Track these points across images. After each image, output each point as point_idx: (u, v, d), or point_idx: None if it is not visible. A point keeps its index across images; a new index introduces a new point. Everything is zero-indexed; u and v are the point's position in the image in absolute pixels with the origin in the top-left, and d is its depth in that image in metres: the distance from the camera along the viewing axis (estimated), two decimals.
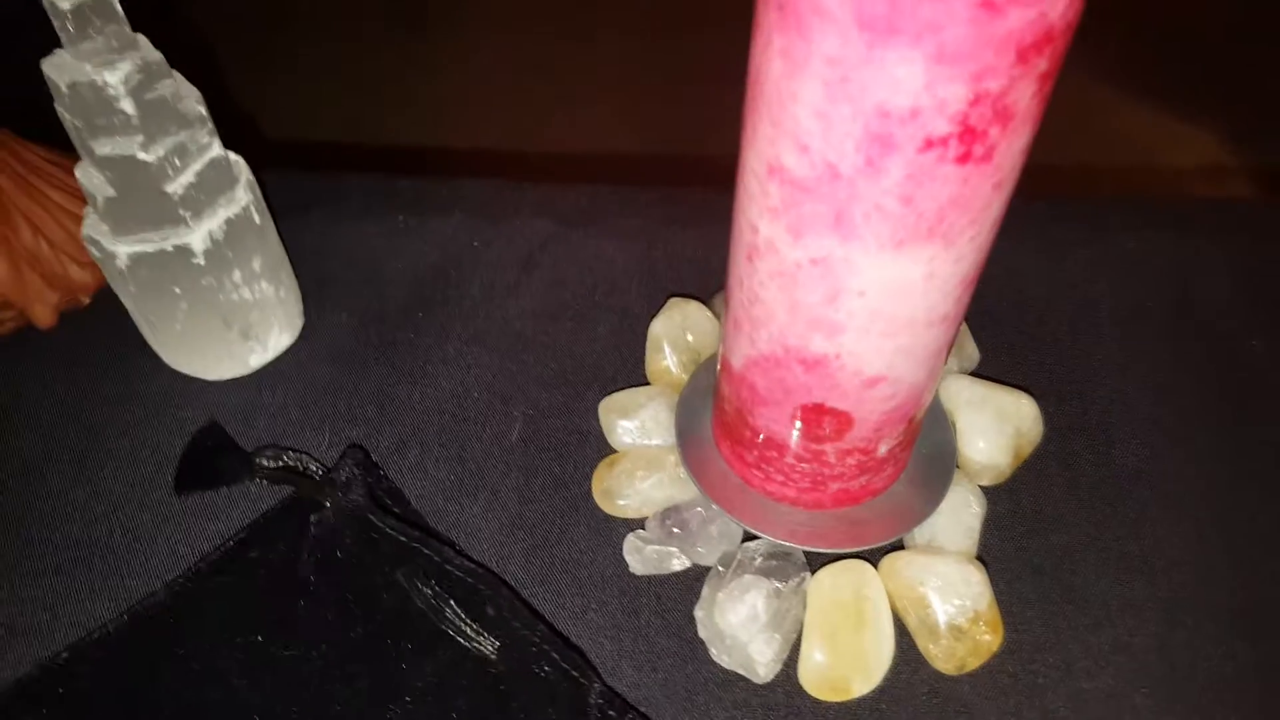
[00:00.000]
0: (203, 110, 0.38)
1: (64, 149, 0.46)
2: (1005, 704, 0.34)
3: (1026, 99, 0.23)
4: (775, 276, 0.29)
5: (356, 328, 0.46)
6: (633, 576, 0.37)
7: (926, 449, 0.39)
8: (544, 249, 0.49)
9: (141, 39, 0.36)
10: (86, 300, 0.46)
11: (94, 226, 0.39)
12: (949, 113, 0.23)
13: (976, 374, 0.42)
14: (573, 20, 1.62)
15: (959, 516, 0.37)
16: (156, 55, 0.36)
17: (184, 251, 0.38)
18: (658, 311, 0.44)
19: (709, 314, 0.43)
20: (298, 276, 0.46)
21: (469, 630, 0.34)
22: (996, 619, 0.35)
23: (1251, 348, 0.44)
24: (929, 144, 0.24)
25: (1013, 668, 0.35)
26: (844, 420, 0.33)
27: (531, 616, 0.34)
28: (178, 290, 0.40)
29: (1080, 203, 0.52)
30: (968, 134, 0.24)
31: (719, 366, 0.37)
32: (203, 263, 0.39)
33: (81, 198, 0.45)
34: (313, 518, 0.37)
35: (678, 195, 0.52)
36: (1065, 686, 0.34)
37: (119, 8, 0.34)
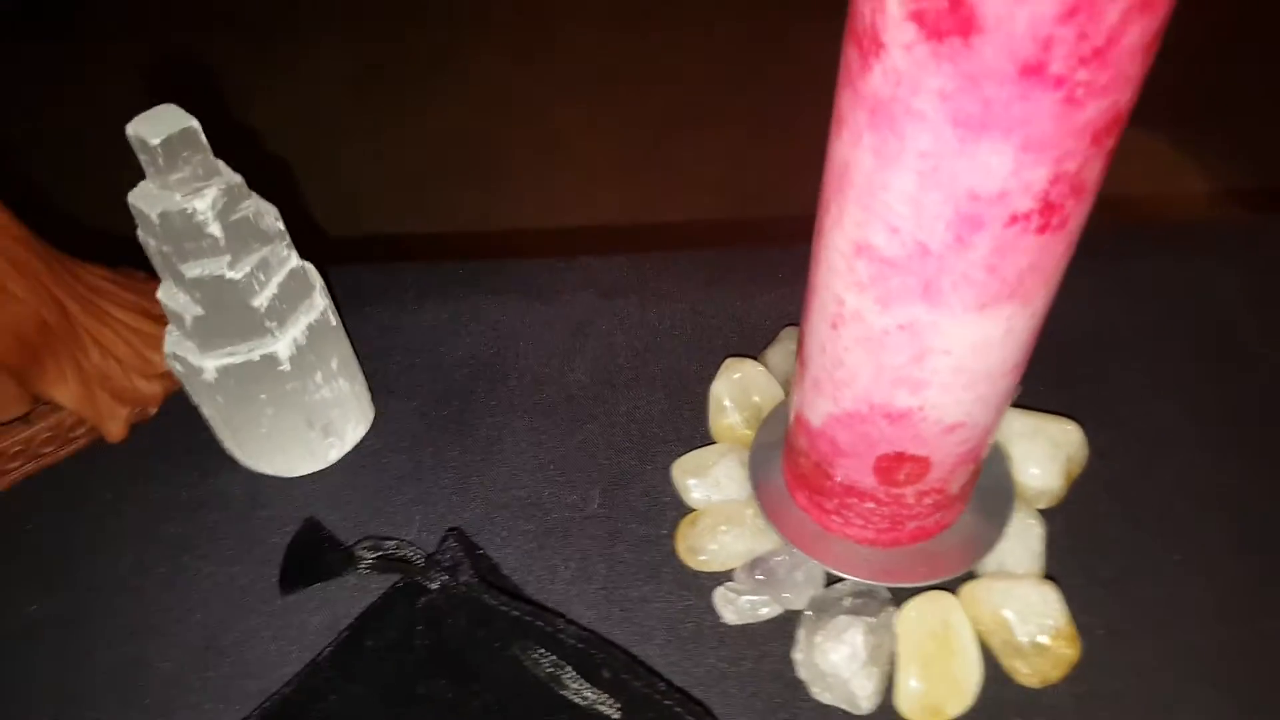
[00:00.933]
0: (280, 225, 0.40)
1: (116, 267, 0.47)
2: (1088, 709, 0.37)
3: (1096, 173, 0.26)
4: (861, 342, 0.32)
5: (425, 412, 0.48)
6: (727, 627, 0.39)
7: (986, 480, 0.41)
8: (592, 321, 0.51)
9: (222, 164, 0.38)
10: (154, 411, 0.48)
11: (178, 344, 0.40)
12: (1032, 192, 0.26)
13: (1018, 405, 0.45)
14: (583, 105, 1.65)
15: (1023, 540, 0.40)
16: (238, 178, 0.38)
17: (270, 360, 0.40)
18: (709, 372, 0.47)
19: (764, 370, 0.46)
20: (363, 368, 0.48)
21: (589, 695, 0.36)
22: (1073, 633, 0.38)
23: (1267, 357, 0.48)
24: (1013, 219, 0.26)
25: (1091, 676, 0.37)
26: (923, 465, 0.35)
27: (649, 673, 0.36)
28: (264, 396, 0.41)
29: (1092, 234, 0.55)
30: (1047, 208, 0.26)
31: (792, 421, 0.39)
32: (288, 369, 0.41)
33: (145, 313, 0.46)
34: (420, 601, 0.38)
35: (714, 258, 0.55)
36: (1140, 688, 0.37)
37: (204, 138, 0.36)
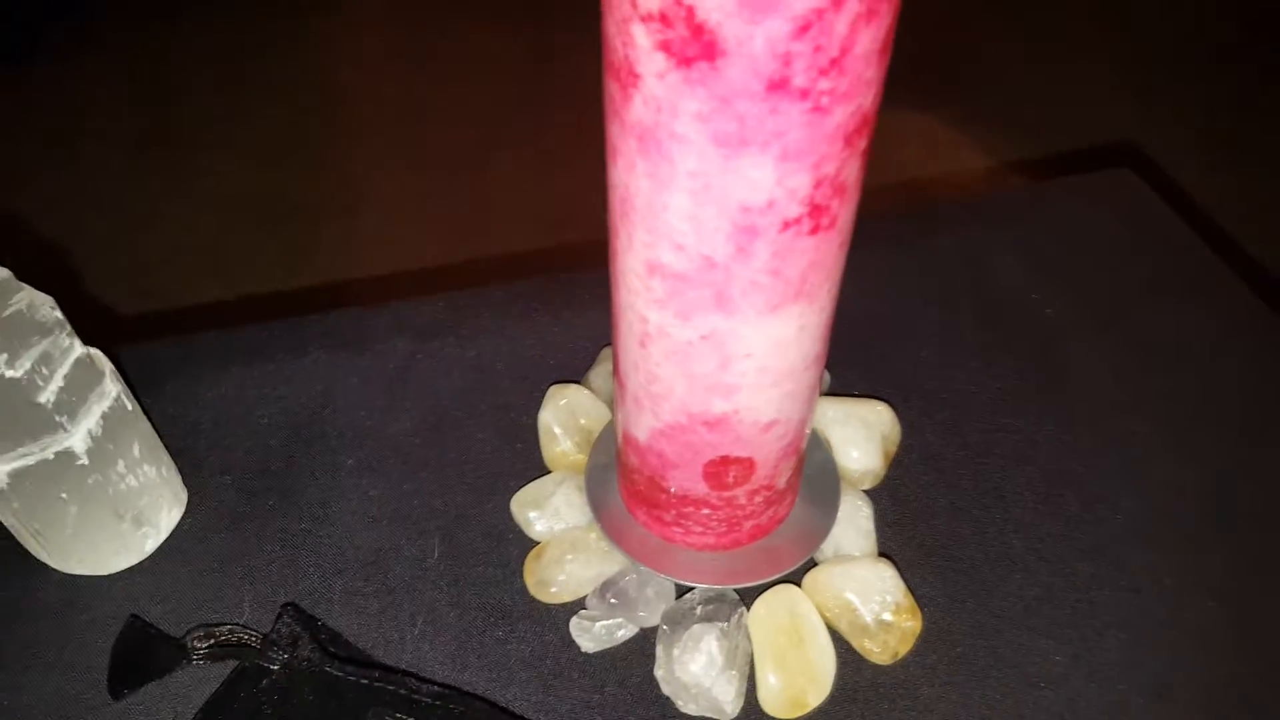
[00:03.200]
0: (58, 314, 0.37)
1: None
2: (939, 676, 0.39)
3: (854, 172, 0.28)
4: (670, 356, 0.32)
5: (242, 486, 0.46)
6: (587, 656, 0.40)
7: (811, 470, 0.43)
8: (410, 367, 0.51)
9: None
10: None
11: None
12: (798, 198, 0.27)
13: (830, 393, 0.47)
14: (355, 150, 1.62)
15: (854, 522, 0.42)
16: (4, 272, 0.35)
17: (67, 456, 0.38)
18: (535, 402, 0.47)
19: (588, 393, 0.46)
20: (168, 448, 0.45)
21: None
22: (913, 605, 0.40)
23: (1047, 316, 0.52)
24: (786, 225, 0.28)
25: (937, 644, 0.40)
26: (748, 465, 0.36)
27: (511, 718, 0.36)
28: (64, 495, 0.39)
29: (874, 221, 0.58)
30: (815, 210, 0.28)
31: (620, 441, 0.40)
32: (87, 462, 0.38)
33: None
34: (263, 683, 0.37)
35: (525, 289, 0.55)
36: (983, 648, 0.39)
37: None
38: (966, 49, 1.75)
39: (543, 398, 0.46)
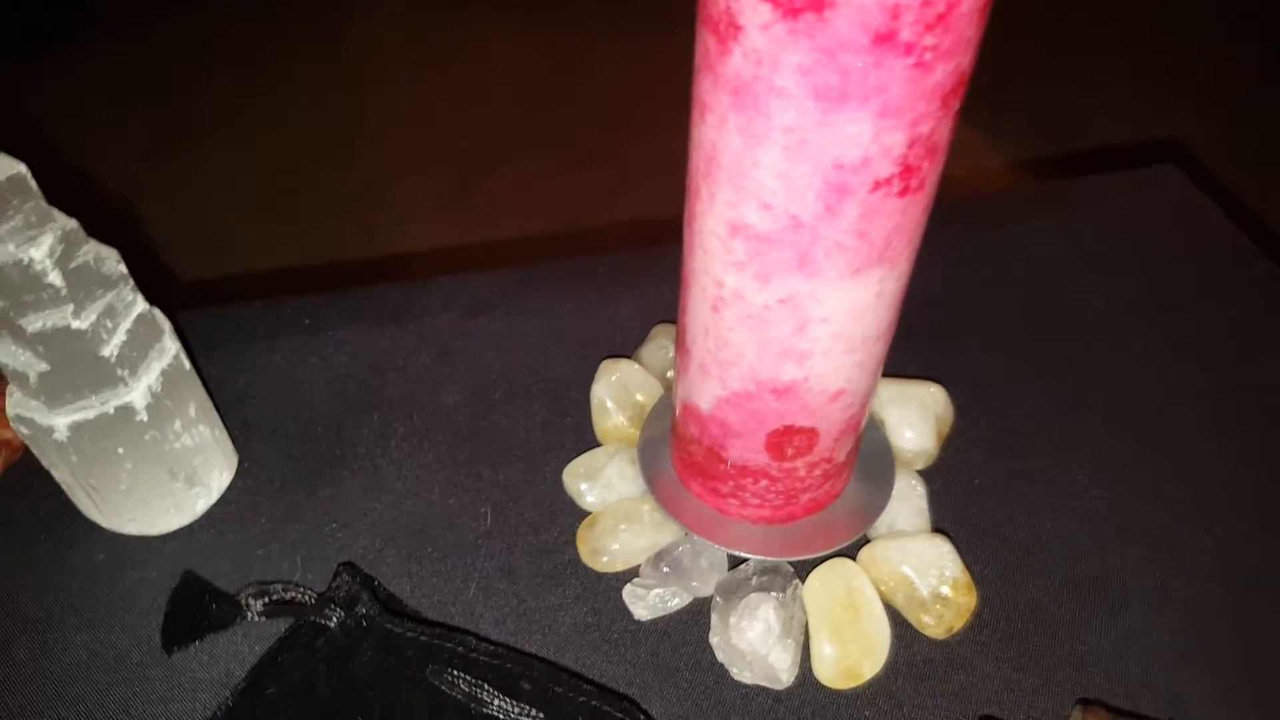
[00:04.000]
0: (123, 269, 0.37)
1: None
2: (993, 651, 0.39)
3: (946, 133, 0.28)
4: (744, 320, 0.32)
5: (293, 452, 0.46)
6: (640, 623, 0.39)
7: (867, 447, 0.43)
8: (459, 339, 0.51)
9: (55, 210, 0.35)
10: None
11: (22, 404, 0.37)
12: (893, 156, 0.27)
13: (885, 374, 0.47)
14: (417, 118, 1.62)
15: (908, 501, 0.42)
16: (73, 223, 0.35)
17: (126, 411, 0.38)
18: (586, 377, 0.47)
19: (640, 368, 0.46)
20: (220, 413, 0.45)
21: (512, 710, 0.35)
22: (969, 581, 0.39)
23: (1093, 307, 0.52)
24: (877, 185, 0.28)
25: (991, 619, 0.39)
26: (811, 436, 0.36)
27: (571, 677, 0.36)
28: (121, 451, 0.38)
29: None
30: (906, 171, 0.28)
31: (679, 412, 0.40)
32: (145, 419, 0.38)
33: None
34: (319, 641, 0.37)
35: (571, 268, 0.55)
36: (1036, 627, 0.39)
37: (33, 183, 0.34)
38: (1010, 50, 1.75)
39: (594, 373, 0.46)
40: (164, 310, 0.41)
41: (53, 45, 1.80)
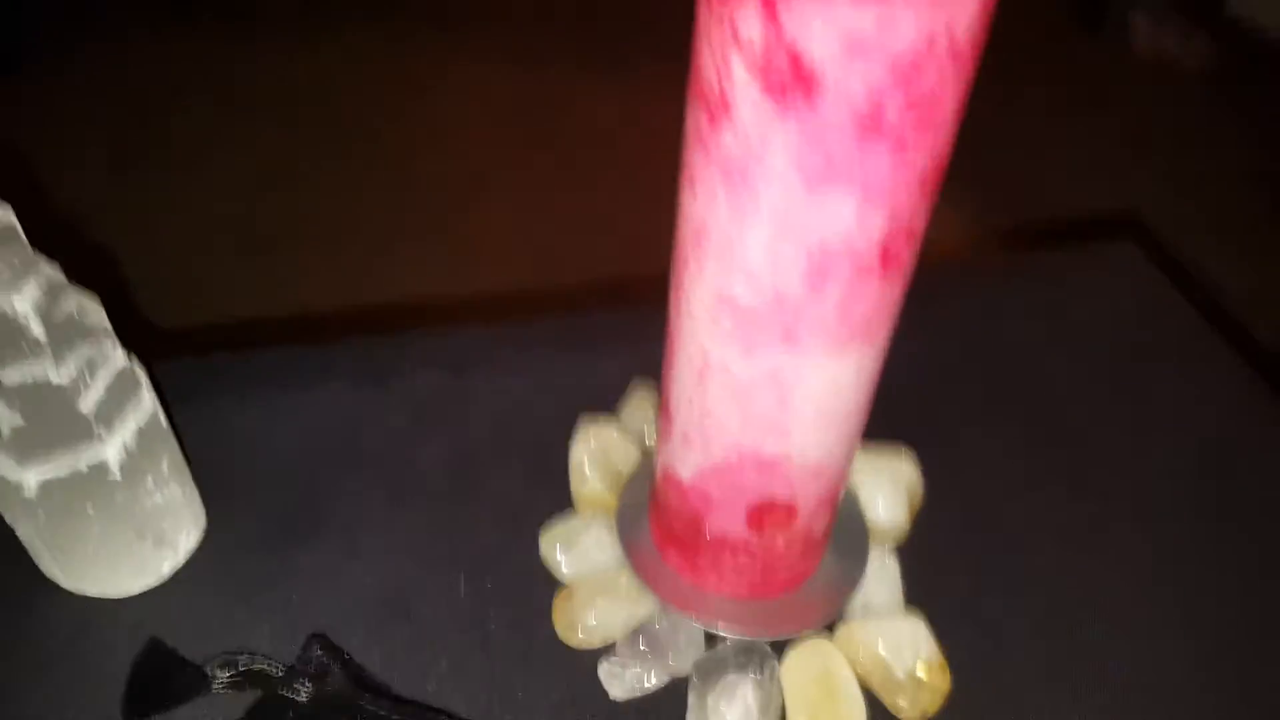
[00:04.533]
0: (105, 320, 0.37)
1: None
2: None
3: (923, 219, 0.29)
4: (728, 392, 0.33)
5: (264, 510, 0.45)
6: (616, 704, 0.39)
7: (839, 519, 0.43)
8: (437, 397, 0.50)
9: (39, 256, 0.35)
10: None
11: None
12: (874, 238, 0.28)
13: None
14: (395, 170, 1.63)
15: (881, 577, 0.42)
16: (57, 271, 0.35)
17: (100, 469, 0.37)
18: (565, 437, 0.47)
19: (620, 430, 0.46)
20: (190, 469, 0.44)
21: None
22: (943, 662, 0.39)
23: (1055, 375, 0.53)
24: (859, 264, 0.28)
25: (964, 702, 0.39)
26: (791, 510, 0.36)
27: None
28: (92, 510, 0.38)
29: None
30: (886, 253, 0.29)
31: (659, 480, 0.40)
32: (119, 477, 0.38)
33: None
34: (289, 716, 0.36)
35: (553, 323, 0.55)
36: (1008, 706, 0.39)
37: (19, 228, 0.34)
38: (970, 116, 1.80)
39: (572, 431, 0.46)
40: (133, 354, 0.41)
41: (27, 64, 1.80)
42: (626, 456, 0.45)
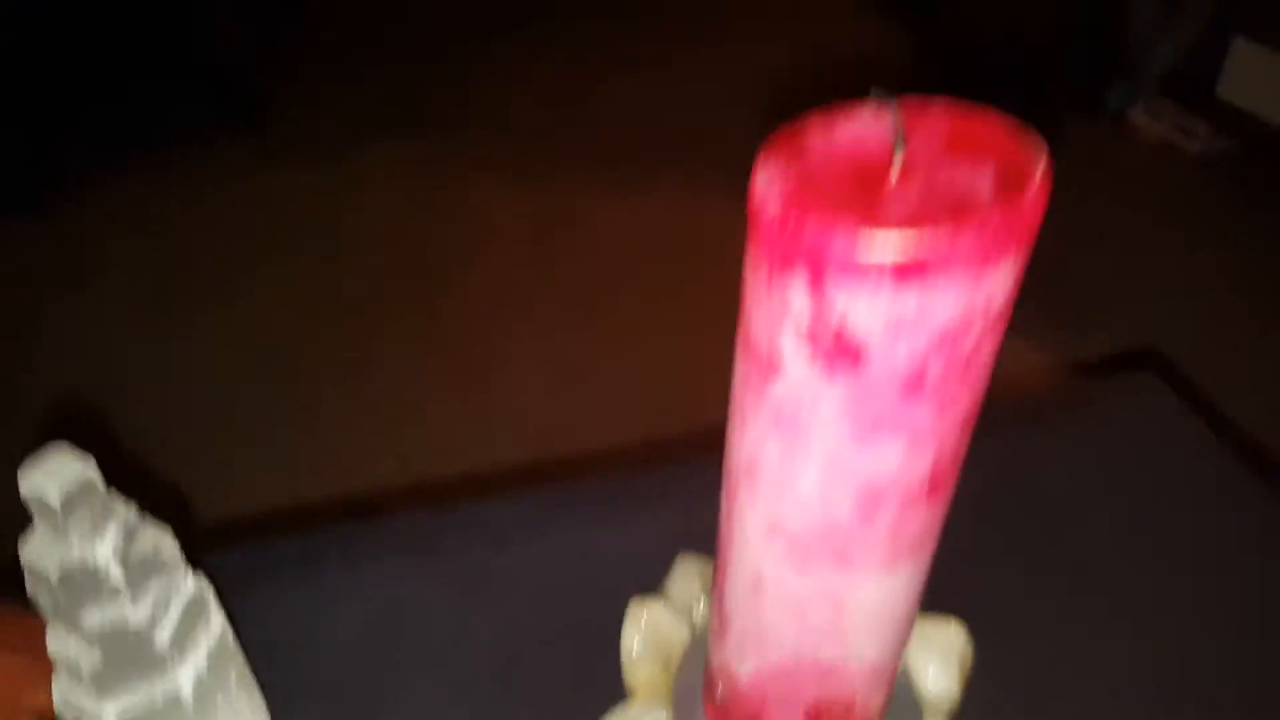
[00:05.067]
0: (177, 551, 0.39)
1: None
2: None
3: (964, 447, 0.31)
4: (784, 606, 0.34)
5: (321, 703, 0.46)
6: None
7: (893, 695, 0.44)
8: (484, 574, 0.52)
9: (117, 500, 0.37)
10: None
11: (71, 692, 0.38)
12: (920, 474, 0.30)
13: None
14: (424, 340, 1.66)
15: None
16: (133, 512, 0.37)
17: (174, 697, 0.38)
18: (615, 614, 0.48)
19: (669, 608, 0.47)
20: (249, 663, 0.45)
21: None
22: None
23: (1096, 526, 0.54)
24: (907, 497, 0.30)
25: None
26: (849, 704, 0.37)
27: None
28: None
29: None
30: (933, 484, 0.30)
31: (714, 673, 0.41)
32: (191, 703, 0.39)
33: (11, 648, 0.43)
34: None
35: (600, 494, 0.56)
36: None
37: (100, 482, 0.35)
38: None
39: (620, 609, 0.47)
40: (200, 572, 0.42)
41: (52, 206, 1.85)
42: (679, 636, 0.46)
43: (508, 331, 1.58)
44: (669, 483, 0.56)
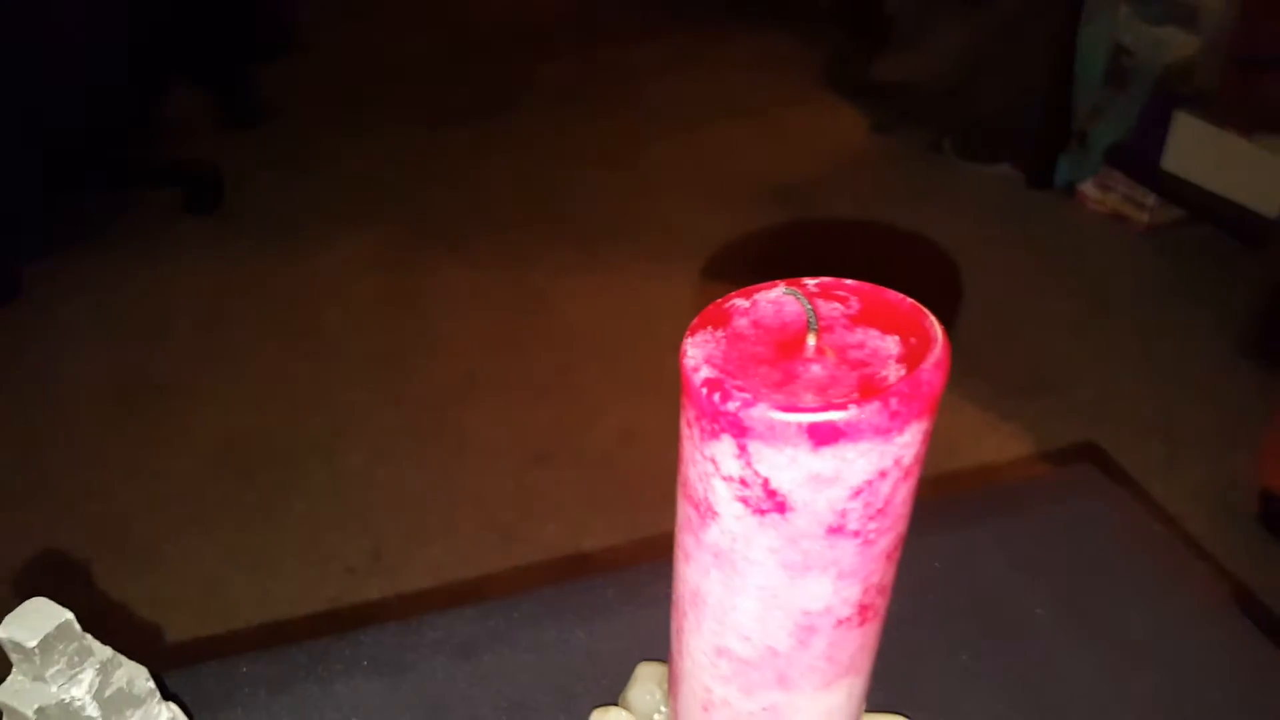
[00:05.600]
0: (151, 684, 0.40)
1: None
2: None
3: (891, 576, 0.33)
4: None
5: None
6: None
7: None
8: (450, 687, 0.53)
9: (93, 642, 0.38)
10: None
11: None
12: (850, 603, 0.32)
13: None
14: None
15: None
16: (108, 652, 0.38)
17: None
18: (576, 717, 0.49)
19: (630, 716, 0.49)
20: None
21: None
22: None
23: (1037, 615, 0.57)
24: (839, 623, 0.33)
25: None
26: None
27: None
28: None
29: None
30: (863, 610, 0.33)
31: None
32: None
33: None
34: None
35: (564, 601, 0.58)
36: None
37: (77, 626, 0.37)
38: None
39: (584, 717, 0.49)
40: (174, 705, 0.43)
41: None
42: None
43: (475, 416, 1.60)
44: (630, 587, 0.58)
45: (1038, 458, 1.52)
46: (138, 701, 0.39)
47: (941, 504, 0.66)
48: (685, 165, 2.29)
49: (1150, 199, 2.07)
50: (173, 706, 0.43)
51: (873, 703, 0.51)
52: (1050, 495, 0.66)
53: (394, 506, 1.46)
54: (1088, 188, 2.16)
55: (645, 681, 0.51)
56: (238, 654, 0.55)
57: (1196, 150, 1.98)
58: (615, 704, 0.50)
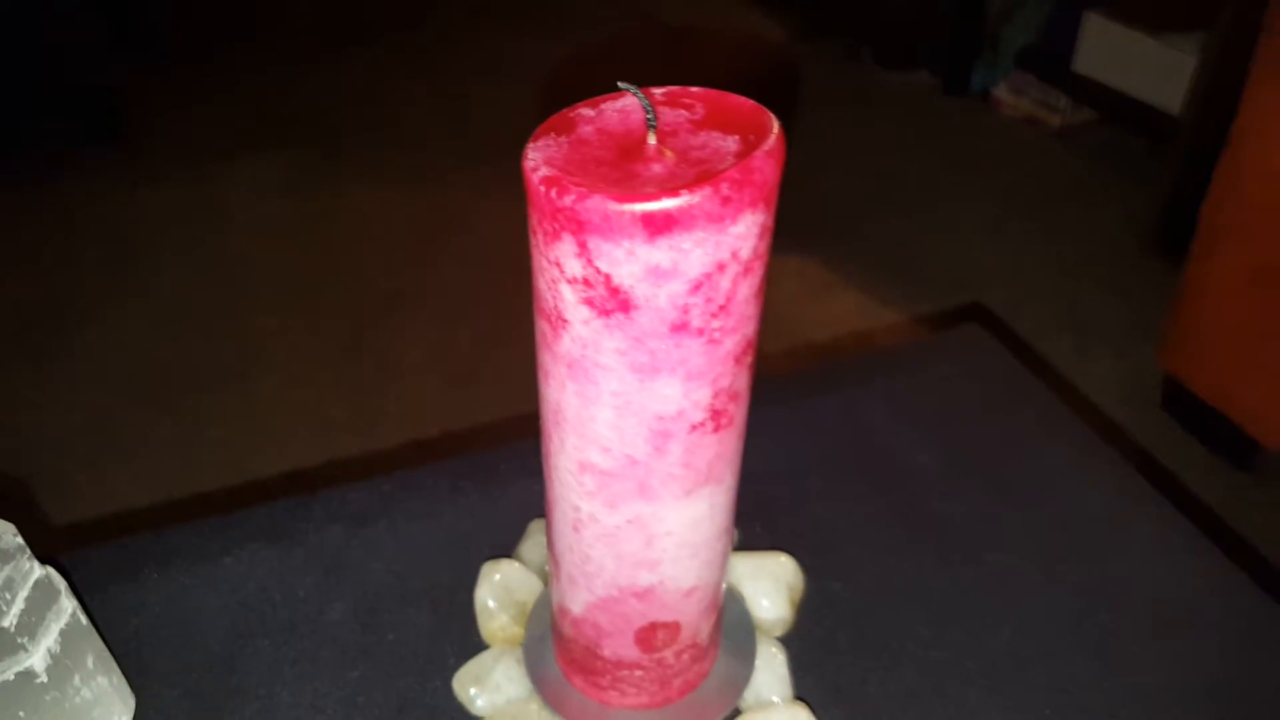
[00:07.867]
0: (19, 540, 0.40)
1: None
2: None
3: (744, 381, 0.34)
4: (601, 538, 0.37)
5: (190, 686, 0.47)
6: None
7: (728, 622, 0.48)
8: (344, 553, 0.54)
9: None
10: None
11: None
12: (702, 406, 0.33)
13: (741, 548, 0.52)
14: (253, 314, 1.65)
15: (771, 668, 0.47)
16: None
17: (27, 675, 0.39)
18: (470, 579, 0.50)
19: (520, 566, 0.50)
20: (114, 654, 0.47)
21: None
22: None
23: (917, 463, 0.59)
24: (693, 427, 0.34)
25: None
26: (674, 628, 0.41)
27: None
28: (22, 714, 0.40)
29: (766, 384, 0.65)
30: (715, 414, 0.34)
31: (555, 615, 0.44)
32: (46, 680, 0.40)
33: None
34: None
35: (450, 469, 0.59)
36: None
37: None
38: (829, 197, 1.91)
39: (476, 575, 0.50)
40: (45, 547, 0.43)
41: None
42: (528, 589, 0.49)
43: (392, 338, 1.58)
44: (521, 458, 0.59)
45: (924, 320, 1.57)
46: (6, 556, 0.39)
47: (833, 368, 0.68)
48: (602, 79, 2.26)
49: (1062, 101, 2.10)
50: (50, 570, 0.42)
51: (759, 543, 0.53)
52: (937, 355, 0.68)
53: (311, 430, 1.44)
54: (1001, 92, 2.19)
55: (537, 535, 0.52)
56: (130, 536, 0.55)
57: (1106, 51, 2.01)
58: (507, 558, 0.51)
